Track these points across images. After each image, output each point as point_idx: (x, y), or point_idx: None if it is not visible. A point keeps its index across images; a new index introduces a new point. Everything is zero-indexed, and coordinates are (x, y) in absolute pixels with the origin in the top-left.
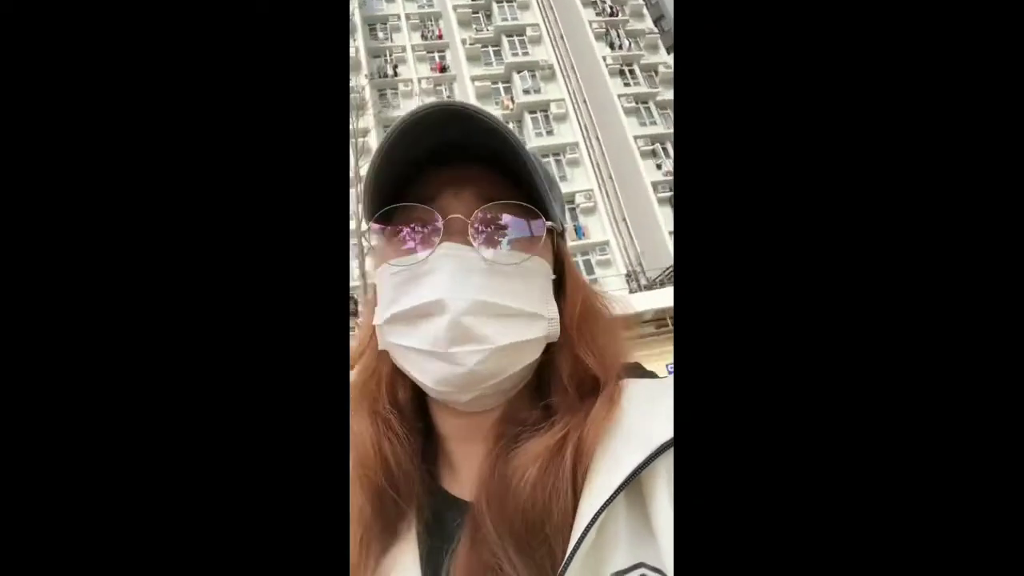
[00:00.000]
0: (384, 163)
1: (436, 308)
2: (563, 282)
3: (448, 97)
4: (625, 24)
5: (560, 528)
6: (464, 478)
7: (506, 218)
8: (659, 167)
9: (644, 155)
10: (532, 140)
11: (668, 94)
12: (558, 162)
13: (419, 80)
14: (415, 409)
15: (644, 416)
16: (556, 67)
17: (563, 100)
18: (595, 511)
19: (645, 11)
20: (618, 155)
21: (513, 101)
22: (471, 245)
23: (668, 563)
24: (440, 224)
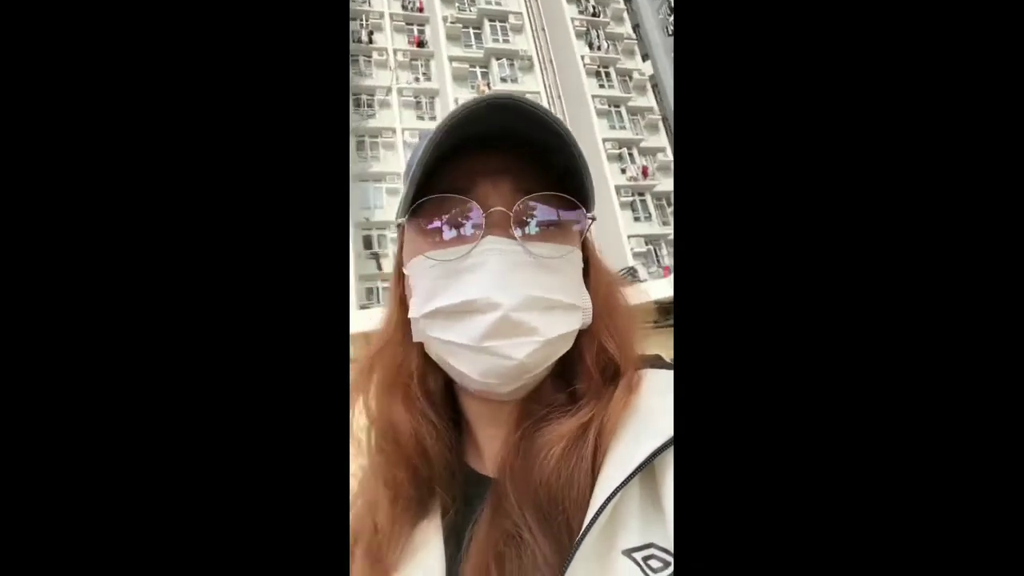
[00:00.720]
0: (428, 158)
1: (484, 305)
2: (588, 270)
3: (424, 74)
4: (605, 26)
5: (578, 503)
6: (488, 457)
7: (549, 210)
8: (623, 171)
9: (611, 158)
10: None
11: (640, 100)
12: None
13: (395, 52)
14: (445, 398)
15: (660, 405)
16: (535, 59)
17: (539, 93)
18: (609, 492)
19: (625, 16)
20: (586, 155)
21: (489, 87)
22: (513, 238)
23: None
24: (482, 217)
